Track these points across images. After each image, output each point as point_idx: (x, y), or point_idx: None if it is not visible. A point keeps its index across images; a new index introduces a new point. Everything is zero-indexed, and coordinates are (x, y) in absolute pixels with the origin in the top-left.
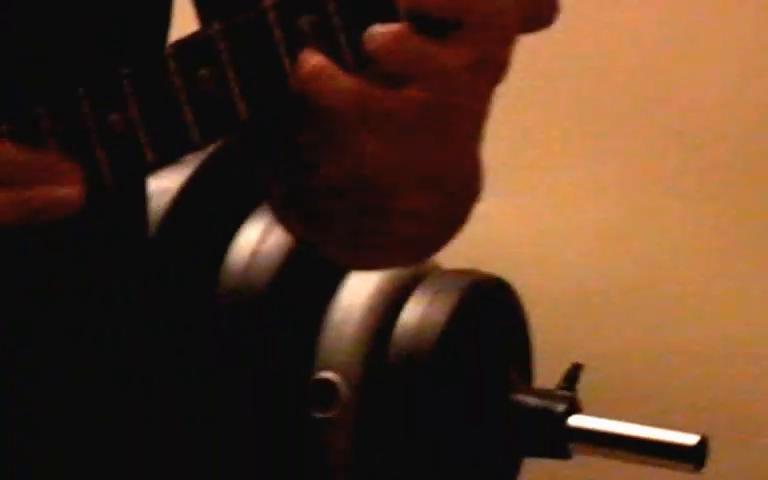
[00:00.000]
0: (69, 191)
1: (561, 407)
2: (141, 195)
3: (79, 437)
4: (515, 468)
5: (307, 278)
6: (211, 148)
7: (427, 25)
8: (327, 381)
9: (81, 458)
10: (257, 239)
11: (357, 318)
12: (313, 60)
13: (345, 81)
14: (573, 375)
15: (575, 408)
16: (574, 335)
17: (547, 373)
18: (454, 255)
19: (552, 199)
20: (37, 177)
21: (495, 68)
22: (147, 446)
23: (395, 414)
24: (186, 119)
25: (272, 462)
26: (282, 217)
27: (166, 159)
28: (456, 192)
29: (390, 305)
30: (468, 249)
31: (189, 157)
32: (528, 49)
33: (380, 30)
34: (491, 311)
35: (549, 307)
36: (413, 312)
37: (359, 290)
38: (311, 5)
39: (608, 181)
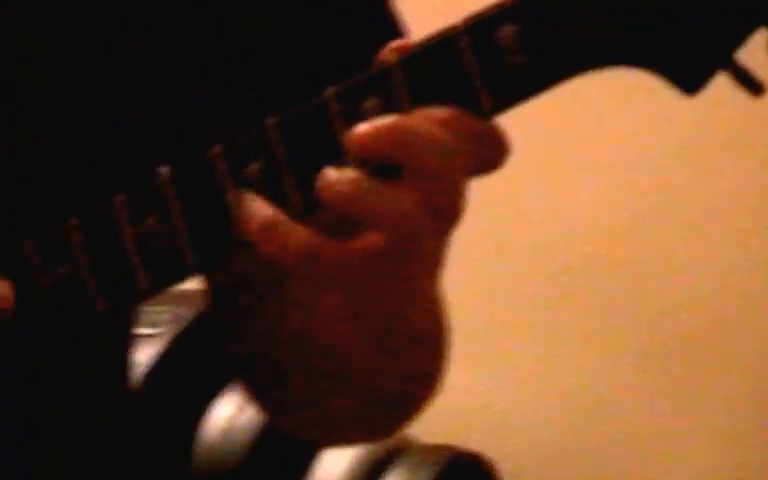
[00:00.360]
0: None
1: None
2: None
3: None
4: None
5: (281, 455)
6: (183, 322)
7: (373, 170)
8: None
9: None
10: (231, 414)
11: None
12: (264, 212)
13: (297, 235)
14: None
15: None
16: None
17: None
18: (431, 429)
19: (524, 368)
20: None
21: (446, 214)
22: None
23: None
24: (134, 266)
25: None
26: (246, 387)
27: (116, 307)
28: (417, 344)
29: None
30: (446, 425)
31: (161, 330)
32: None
33: (335, 176)
34: None
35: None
36: None
37: (333, 467)
38: (258, 151)
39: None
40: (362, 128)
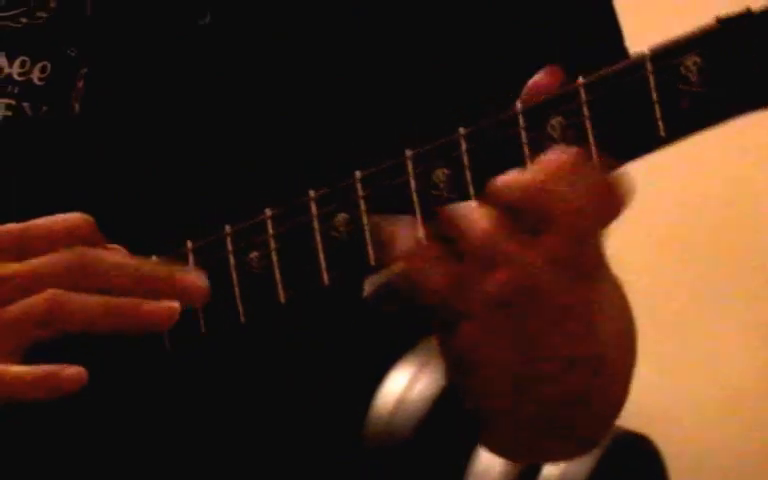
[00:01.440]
0: (164, 306)
1: None
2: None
3: None
4: None
5: (451, 429)
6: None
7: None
8: None
9: None
10: (404, 386)
11: (499, 471)
12: (410, 240)
13: (441, 265)
14: None
15: None
16: None
17: None
18: None
19: (692, 357)
20: (140, 286)
21: (575, 264)
22: None
23: None
24: (318, 263)
25: None
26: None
27: (298, 301)
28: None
29: None
30: None
31: None
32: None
33: (470, 213)
34: (633, 467)
35: (690, 464)
36: (555, 467)
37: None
38: (445, 159)
39: (750, 338)
40: (500, 180)
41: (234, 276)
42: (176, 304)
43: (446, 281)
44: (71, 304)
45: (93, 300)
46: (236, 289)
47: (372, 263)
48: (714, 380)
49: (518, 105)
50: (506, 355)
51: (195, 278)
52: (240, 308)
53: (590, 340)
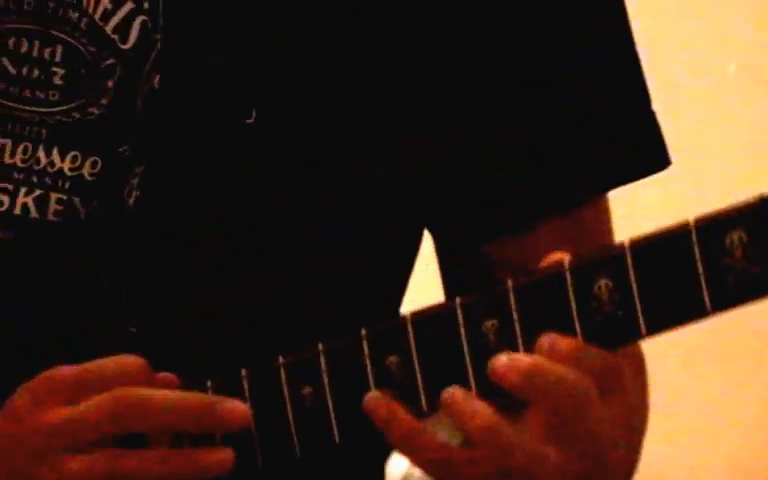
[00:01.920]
0: (221, 455)
1: None
2: None
3: None
4: None
5: None
6: None
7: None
8: None
9: None
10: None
11: None
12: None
13: (429, 447)
14: None
15: None
16: None
17: None
18: None
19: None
20: (194, 424)
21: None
22: None
23: None
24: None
25: None
26: None
27: (353, 440)
28: None
29: None
30: None
31: None
32: None
33: (462, 400)
34: None
35: None
36: None
37: None
38: (495, 308)
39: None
40: (502, 361)
41: (288, 409)
42: (230, 453)
43: (435, 464)
44: (131, 461)
45: (150, 456)
46: (291, 423)
47: (425, 410)
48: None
49: (566, 263)
50: None
51: (238, 408)
52: (295, 441)
53: None
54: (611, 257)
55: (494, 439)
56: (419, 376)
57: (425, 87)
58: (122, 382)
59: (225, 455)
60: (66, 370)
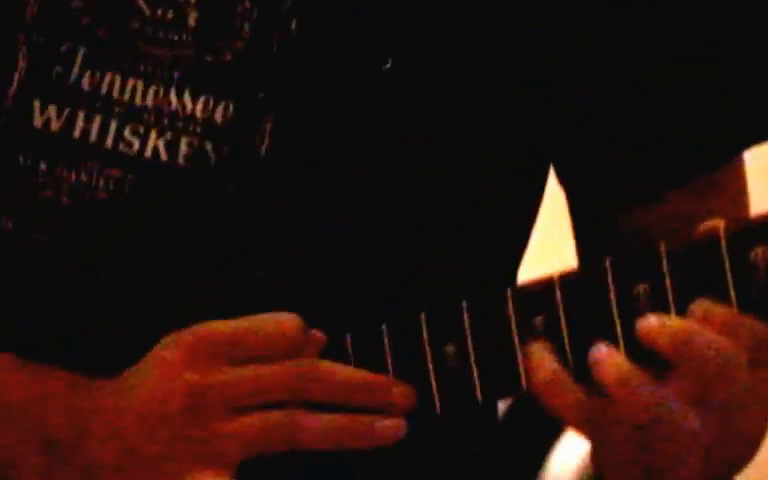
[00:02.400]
0: (394, 423)
1: None
2: None
3: None
4: None
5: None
6: None
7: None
8: None
9: None
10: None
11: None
12: (547, 367)
13: (571, 393)
14: None
15: None
16: None
17: None
18: None
19: None
20: (367, 400)
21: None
22: None
23: None
24: (517, 364)
25: None
26: None
27: (493, 399)
28: None
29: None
30: None
31: None
32: None
33: (608, 356)
34: None
35: None
36: None
37: (568, 459)
38: (648, 273)
39: None
40: (652, 321)
41: (430, 367)
42: (403, 421)
43: (578, 413)
44: (312, 422)
45: (329, 420)
46: (432, 381)
47: (571, 367)
48: None
49: (721, 229)
50: (632, 470)
51: (405, 391)
52: (436, 400)
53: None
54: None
55: (634, 395)
56: (566, 337)
57: (567, 42)
58: (281, 342)
59: (399, 423)
60: (224, 327)
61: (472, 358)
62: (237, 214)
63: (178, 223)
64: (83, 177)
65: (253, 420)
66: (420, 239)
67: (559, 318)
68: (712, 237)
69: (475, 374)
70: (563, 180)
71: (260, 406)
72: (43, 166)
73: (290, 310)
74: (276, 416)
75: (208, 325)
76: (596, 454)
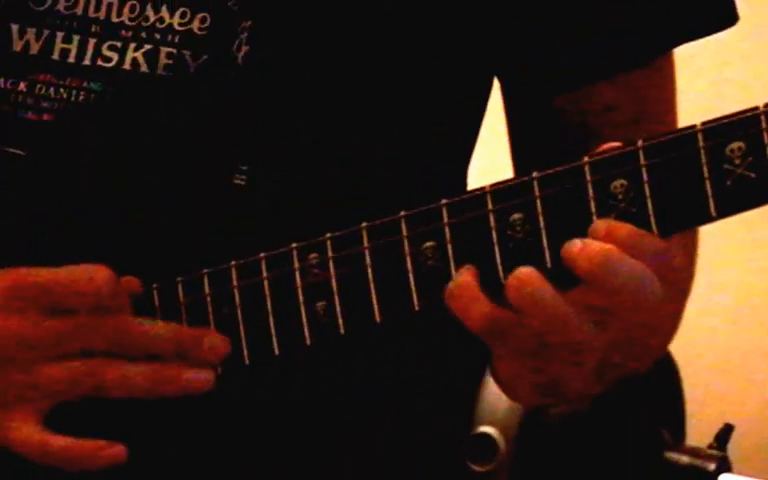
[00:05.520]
0: (201, 374)
1: (712, 466)
2: None
3: None
4: None
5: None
6: None
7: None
8: (486, 435)
9: None
10: None
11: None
12: (460, 279)
13: (480, 305)
14: (724, 435)
15: (725, 467)
16: (725, 396)
17: (698, 434)
18: None
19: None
20: (175, 351)
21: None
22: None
23: (550, 470)
24: (495, 262)
25: None
26: None
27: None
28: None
29: None
30: None
31: None
32: None
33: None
34: (648, 376)
35: (701, 369)
36: None
37: None
38: (624, 168)
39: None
40: (575, 246)
41: (409, 264)
42: (212, 374)
43: (482, 322)
44: (115, 372)
45: (135, 370)
46: (410, 278)
47: (549, 265)
48: (723, 286)
49: (698, 124)
50: (531, 378)
51: (220, 338)
52: (414, 298)
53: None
54: (744, 120)
55: (544, 312)
56: (543, 234)
57: None
58: (91, 294)
59: (207, 375)
60: (37, 276)
61: (450, 254)
62: (217, 120)
63: (158, 131)
64: (63, 93)
65: (60, 369)
66: (391, 135)
67: (537, 216)
68: (689, 131)
69: (452, 269)
70: (501, 67)
71: (68, 355)
72: (23, 86)
73: (270, 214)
74: (80, 365)
75: (25, 272)
76: (494, 368)
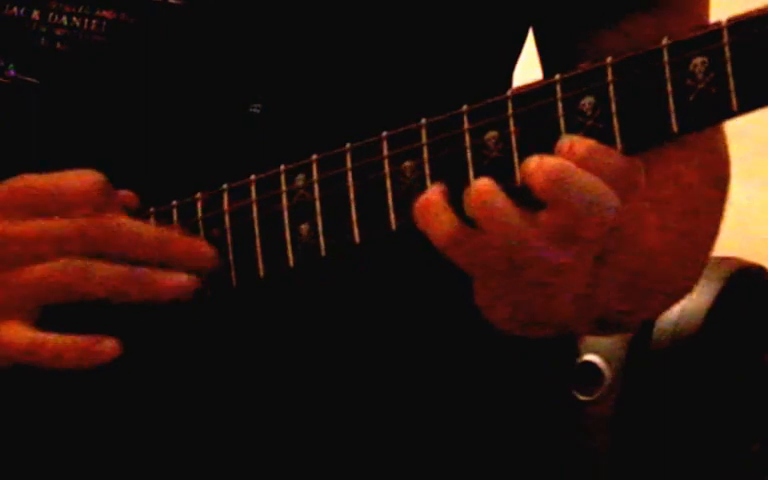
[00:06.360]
0: (178, 278)
1: None
2: None
3: None
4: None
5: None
6: None
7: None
8: (591, 364)
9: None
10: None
11: None
12: (427, 194)
13: (445, 220)
14: None
15: None
16: None
17: None
18: (717, 244)
19: None
20: (160, 255)
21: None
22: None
23: (654, 397)
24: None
25: (540, 436)
26: None
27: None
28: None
29: None
30: (730, 238)
31: None
32: None
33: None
34: (751, 298)
35: None
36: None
37: None
38: (593, 85)
39: None
40: (531, 162)
41: (388, 183)
42: (193, 278)
43: (446, 238)
44: (92, 272)
45: (113, 270)
46: (389, 196)
47: (518, 183)
48: None
49: (664, 40)
50: (506, 301)
51: (207, 248)
52: (391, 217)
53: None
54: (708, 35)
55: (500, 225)
56: (515, 152)
57: None
58: (84, 197)
59: (184, 280)
60: (33, 181)
61: (427, 172)
62: (232, 50)
63: (173, 60)
64: (75, 21)
65: (46, 267)
66: (411, 70)
67: (509, 133)
68: (655, 47)
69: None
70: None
71: (57, 253)
72: (35, 14)
73: (284, 142)
74: (67, 263)
75: (21, 179)
76: (474, 290)
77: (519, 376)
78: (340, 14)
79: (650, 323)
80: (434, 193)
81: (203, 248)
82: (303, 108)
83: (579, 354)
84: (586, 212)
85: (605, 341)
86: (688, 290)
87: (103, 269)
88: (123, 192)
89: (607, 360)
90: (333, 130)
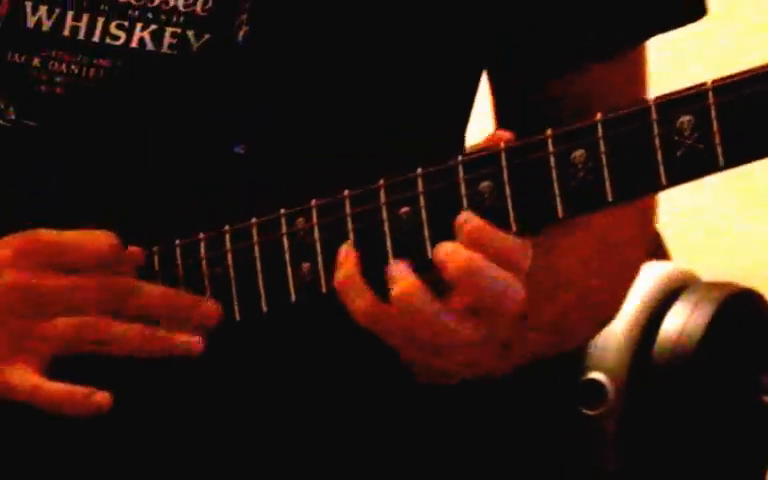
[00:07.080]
0: (190, 338)
1: None
2: None
3: None
4: (761, 469)
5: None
6: None
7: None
8: (596, 381)
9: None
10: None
11: (624, 325)
12: (346, 270)
13: (362, 300)
14: None
15: None
16: None
17: None
18: (711, 269)
19: None
20: (173, 315)
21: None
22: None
23: (656, 413)
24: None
25: (545, 450)
26: None
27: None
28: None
29: (654, 314)
30: (724, 263)
31: None
32: None
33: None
34: (745, 321)
35: None
36: (674, 321)
37: (627, 300)
38: (584, 140)
39: None
40: (444, 249)
41: (386, 230)
42: (199, 340)
43: (364, 315)
44: (114, 330)
45: (133, 330)
46: (387, 241)
47: (515, 231)
48: None
49: (651, 99)
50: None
51: (213, 306)
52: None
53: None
54: (694, 95)
55: (415, 310)
56: (509, 201)
57: None
58: (96, 254)
59: (195, 341)
60: (49, 236)
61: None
62: (217, 97)
63: (162, 106)
64: (74, 69)
65: (67, 322)
66: (384, 113)
67: (503, 184)
68: (643, 105)
69: (426, 234)
70: (490, 56)
71: (71, 310)
72: (36, 62)
73: (267, 182)
74: (87, 320)
75: (37, 232)
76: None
77: (525, 392)
78: (316, 63)
79: (650, 342)
80: (352, 271)
81: (210, 306)
82: (285, 148)
83: (584, 372)
84: (493, 302)
85: (609, 358)
86: (617, 310)
87: (122, 328)
88: (131, 249)
89: (611, 377)
90: (313, 169)
